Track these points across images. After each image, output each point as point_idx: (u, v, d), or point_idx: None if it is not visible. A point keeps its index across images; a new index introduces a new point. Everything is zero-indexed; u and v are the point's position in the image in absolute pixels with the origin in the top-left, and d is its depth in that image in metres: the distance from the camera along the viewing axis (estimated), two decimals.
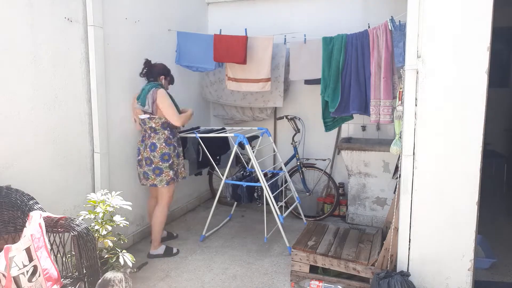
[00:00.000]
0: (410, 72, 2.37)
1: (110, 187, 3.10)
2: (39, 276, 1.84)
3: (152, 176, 3.11)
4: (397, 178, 2.70)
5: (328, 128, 3.61)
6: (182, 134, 3.62)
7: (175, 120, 3.08)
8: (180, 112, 3.19)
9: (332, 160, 4.44)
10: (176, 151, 3.20)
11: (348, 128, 4.34)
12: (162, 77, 3.24)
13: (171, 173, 3.14)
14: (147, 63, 3.21)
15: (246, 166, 4.05)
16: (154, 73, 3.20)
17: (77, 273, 2.05)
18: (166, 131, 3.13)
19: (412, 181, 2.44)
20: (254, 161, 3.35)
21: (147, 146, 3.10)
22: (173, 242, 3.59)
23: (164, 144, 3.10)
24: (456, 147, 2.34)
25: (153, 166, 3.09)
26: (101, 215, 2.47)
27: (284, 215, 3.43)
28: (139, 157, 3.19)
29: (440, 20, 2.29)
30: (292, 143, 4.27)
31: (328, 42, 3.38)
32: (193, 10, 4.48)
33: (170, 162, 3.12)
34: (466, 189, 2.35)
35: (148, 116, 3.07)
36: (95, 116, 3.00)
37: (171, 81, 3.36)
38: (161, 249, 3.30)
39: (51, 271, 1.91)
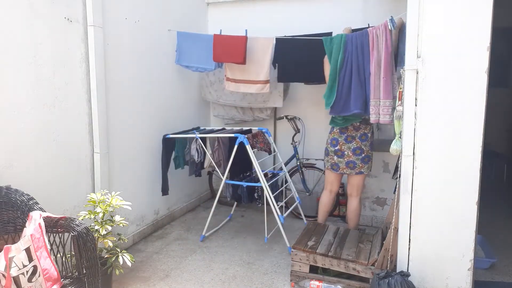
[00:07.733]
0: (410, 72, 2.37)
1: (110, 187, 3.11)
2: (39, 276, 1.84)
3: (360, 164, 3.31)
4: (397, 178, 2.70)
5: (337, 124, 3.46)
6: (181, 135, 3.62)
7: None
8: None
9: None
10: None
11: None
12: None
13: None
14: None
15: None
16: None
17: (77, 273, 2.05)
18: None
19: (412, 181, 2.44)
20: (254, 161, 3.35)
21: (356, 137, 3.30)
22: (173, 242, 3.59)
23: (371, 134, 3.38)
24: (456, 147, 2.34)
25: (363, 155, 3.30)
26: (101, 215, 2.48)
27: (285, 215, 3.43)
28: (336, 147, 3.35)
29: (440, 20, 2.29)
30: (292, 143, 4.27)
31: (328, 42, 3.38)
32: (193, 10, 4.48)
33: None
34: (466, 189, 2.35)
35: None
36: (95, 116, 3.00)
37: None
38: None
39: (51, 271, 1.91)
